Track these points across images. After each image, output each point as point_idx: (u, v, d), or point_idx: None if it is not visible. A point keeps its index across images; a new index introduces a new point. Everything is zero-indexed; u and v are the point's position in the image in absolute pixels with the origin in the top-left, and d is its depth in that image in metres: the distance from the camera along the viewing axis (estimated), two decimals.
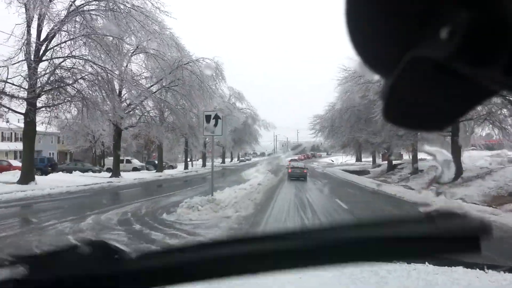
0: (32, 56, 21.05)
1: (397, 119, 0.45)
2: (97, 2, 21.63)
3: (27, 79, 20.36)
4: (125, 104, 28.42)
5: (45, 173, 28.69)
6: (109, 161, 38.04)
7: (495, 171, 20.64)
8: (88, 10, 21.18)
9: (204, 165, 49.41)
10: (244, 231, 8.12)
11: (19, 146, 31.77)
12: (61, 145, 46.34)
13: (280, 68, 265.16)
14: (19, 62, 20.22)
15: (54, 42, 21.48)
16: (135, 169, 38.35)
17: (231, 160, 71.21)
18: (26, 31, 20.15)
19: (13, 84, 20.14)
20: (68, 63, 21.92)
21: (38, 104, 22.24)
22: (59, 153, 48.13)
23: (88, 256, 0.56)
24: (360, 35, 0.39)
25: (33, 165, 20.66)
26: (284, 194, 16.43)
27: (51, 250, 0.58)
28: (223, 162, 60.60)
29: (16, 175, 22.21)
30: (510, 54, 0.33)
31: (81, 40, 21.22)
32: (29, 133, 21.36)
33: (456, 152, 24.97)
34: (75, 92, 21.79)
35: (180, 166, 45.82)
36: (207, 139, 49.42)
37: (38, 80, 21.05)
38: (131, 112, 28.32)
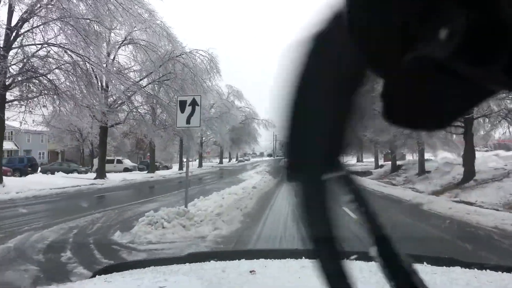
0: (1, 43, 18.36)
1: (396, 119, 0.43)
2: None
3: None
4: (111, 99, 25.69)
5: (24, 173, 25.94)
6: (96, 161, 35.32)
7: None
8: None
9: (200, 165, 46.64)
10: None
11: None
12: (52, 144, 43.57)
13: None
14: None
15: (26, 27, 18.79)
16: (126, 169, 35.61)
17: (229, 161, 68.39)
18: None
19: None
20: (43, 51, 19.19)
21: (9, 97, 19.55)
22: (49, 153, 45.37)
23: None
24: (360, 35, 0.39)
25: (0, 166, 17.95)
26: (281, 200, 13.66)
27: None
28: (221, 162, 57.74)
29: None
30: (510, 54, 0.32)
31: (55, 24, 18.49)
32: None
33: (469, 152, 22.30)
34: (50, 84, 19.02)
35: (176, 167, 43.05)
36: (203, 138, 46.90)
37: (7, 70, 18.31)
38: (117, 108, 25.53)
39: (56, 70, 19.20)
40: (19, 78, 18.79)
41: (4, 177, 18.68)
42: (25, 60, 18.59)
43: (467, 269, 1.66)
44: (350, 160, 60.56)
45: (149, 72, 25.61)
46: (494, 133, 28.33)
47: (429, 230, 8.62)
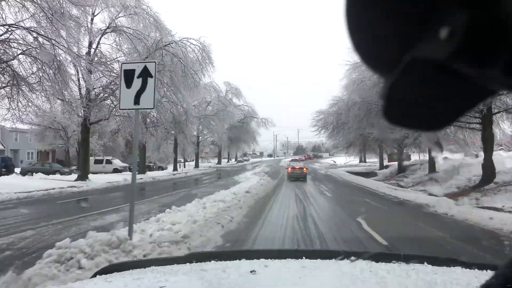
0: None
1: (397, 119, 0.43)
2: None
3: None
4: (93, 92, 22.81)
5: None
6: None
7: None
8: None
9: (197, 166, 43.71)
10: None
11: None
12: (42, 144, 40.69)
13: (279, 67, 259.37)
14: None
15: None
16: (116, 170, 32.72)
17: (228, 161, 65.31)
18: None
19: None
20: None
21: None
22: (39, 153, 42.49)
23: None
24: (360, 34, 0.39)
25: None
26: (278, 210, 10.77)
27: None
28: (219, 162, 54.69)
29: None
30: (510, 54, 0.32)
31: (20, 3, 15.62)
32: None
33: (487, 151, 19.46)
34: (13, 72, 16.15)
35: (171, 167, 40.02)
36: (200, 137, 44.01)
37: None
38: (99, 103, 22.63)
39: (21, 57, 16.34)
40: None
41: None
42: None
43: (468, 269, 1.62)
44: (352, 161, 57.79)
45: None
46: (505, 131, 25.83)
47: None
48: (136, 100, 5.55)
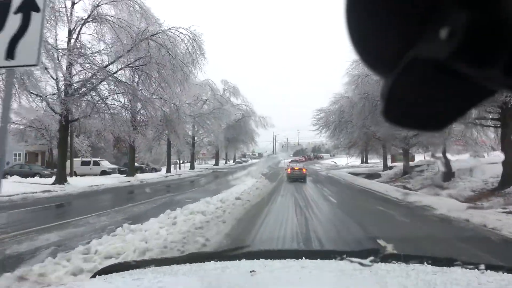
0: None
1: (397, 119, 0.43)
2: None
3: None
4: (73, 87, 20.29)
5: None
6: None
7: None
8: None
9: (192, 167, 41.12)
10: None
11: None
12: (30, 145, 38.12)
13: (279, 67, 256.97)
14: None
15: None
16: (104, 172, 30.18)
17: (226, 162, 62.58)
18: None
19: None
20: None
21: None
22: (27, 154, 39.95)
23: None
24: (360, 35, 0.38)
25: None
26: (273, 225, 8.18)
27: None
28: (216, 164, 52.00)
29: None
30: (510, 54, 0.32)
31: None
32: None
33: (508, 150, 17.10)
34: None
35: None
36: (195, 138, 41.41)
37: None
38: (77, 97, 20.09)
39: None
40: None
41: None
42: None
43: (468, 270, 1.61)
44: (353, 162, 55.11)
45: (118, 55, 20.21)
46: None
47: None
48: (10, 51, 3.04)
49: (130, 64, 20.99)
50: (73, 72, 20.20)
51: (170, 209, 8.37)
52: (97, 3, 20.11)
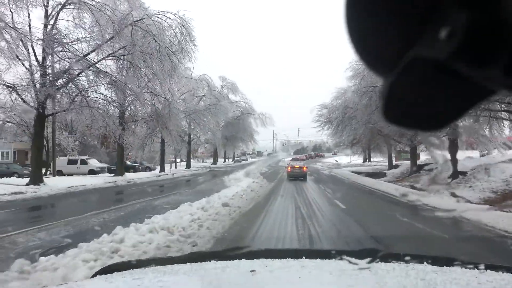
0: None
1: (396, 119, 0.43)
2: None
3: None
4: (49, 78, 17.92)
5: None
6: (56, 162, 27.53)
7: None
8: None
9: (188, 166, 38.70)
10: None
11: None
12: (19, 143, 35.79)
13: (279, 67, 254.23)
14: None
15: None
16: (92, 172, 27.84)
17: (225, 161, 60.03)
18: None
19: None
20: None
21: None
22: (16, 153, 37.65)
23: None
24: (360, 34, 0.38)
25: None
26: (266, 246, 5.78)
27: None
28: (214, 162, 49.48)
29: None
30: (510, 54, 0.31)
31: None
32: None
33: None
34: None
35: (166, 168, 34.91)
36: (191, 135, 38.94)
37: None
38: (54, 89, 17.70)
39: None
40: None
41: None
42: None
43: (468, 269, 1.59)
44: (356, 160, 52.60)
45: (99, 43, 17.82)
46: None
47: None
48: None
49: (112, 53, 18.63)
50: (50, 61, 17.88)
51: (137, 219, 6.06)
52: None
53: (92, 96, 19.18)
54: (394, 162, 36.94)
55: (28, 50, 17.06)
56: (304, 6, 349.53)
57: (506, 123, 22.07)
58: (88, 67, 18.26)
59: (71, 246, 4.77)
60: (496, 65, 0.31)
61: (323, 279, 1.51)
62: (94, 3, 17.73)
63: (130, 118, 24.97)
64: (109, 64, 19.58)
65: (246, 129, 46.76)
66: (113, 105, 21.30)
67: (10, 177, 21.80)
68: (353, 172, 32.67)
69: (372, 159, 51.29)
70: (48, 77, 17.87)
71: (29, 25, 17.37)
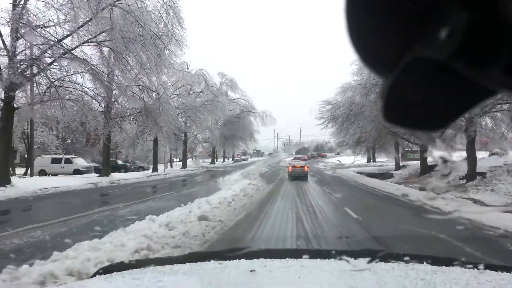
0: None
1: (396, 119, 0.42)
2: None
3: None
4: (16, 66, 15.50)
5: None
6: (38, 161, 25.14)
7: None
8: None
9: (184, 166, 36.21)
10: None
11: None
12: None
13: (279, 67, 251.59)
14: None
15: None
16: (77, 172, 25.43)
17: (224, 160, 57.47)
18: None
19: None
20: None
21: None
22: None
23: None
24: (360, 34, 0.38)
25: None
26: None
27: None
28: (213, 162, 46.95)
29: None
30: (510, 54, 0.31)
31: None
32: None
33: None
34: None
35: (160, 168, 32.44)
36: (188, 134, 36.52)
37: None
38: (22, 79, 15.25)
39: None
40: None
41: None
42: None
43: (467, 269, 1.56)
44: (359, 160, 50.10)
45: (74, 27, 15.38)
46: None
47: None
48: None
49: (90, 39, 16.20)
50: (15, 46, 15.46)
51: (63, 245, 3.61)
52: None
53: (68, 87, 16.71)
54: (402, 162, 34.62)
55: None
56: (305, 4, 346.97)
57: None
58: (64, 54, 15.84)
59: None
60: (496, 65, 0.31)
61: (323, 279, 1.48)
62: None
63: (117, 113, 22.56)
64: (90, 53, 17.15)
65: (246, 128, 44.20)
66: (95, 99, 18.91)
67: None
68: (358, 172, 30.22)
69: (376, 160, 48.88)
70: (15, 64, 15.44)
71: None
